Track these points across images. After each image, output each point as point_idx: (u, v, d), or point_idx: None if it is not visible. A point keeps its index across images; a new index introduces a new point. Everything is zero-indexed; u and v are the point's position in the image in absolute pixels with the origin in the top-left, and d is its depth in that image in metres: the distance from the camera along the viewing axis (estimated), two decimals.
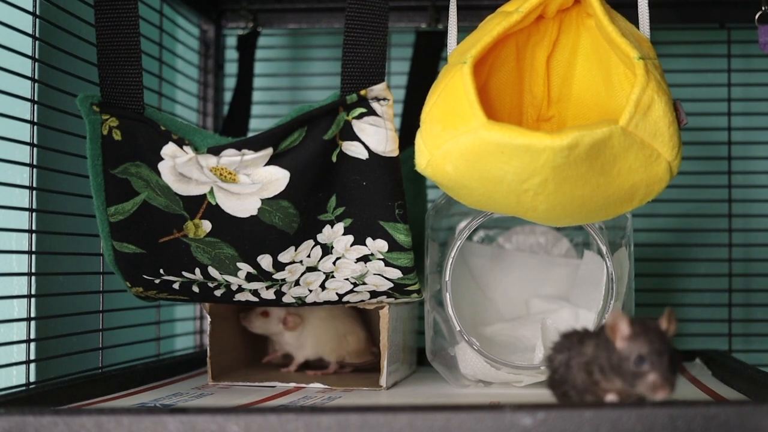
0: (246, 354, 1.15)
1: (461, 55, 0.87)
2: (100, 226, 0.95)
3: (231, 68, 1.34)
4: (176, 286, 0.99)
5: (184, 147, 0.88)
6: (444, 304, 1.01)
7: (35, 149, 0.96)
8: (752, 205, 1.33)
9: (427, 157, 0.86)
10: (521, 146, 0.79)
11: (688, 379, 1.07)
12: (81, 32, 1.04)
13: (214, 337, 1.05)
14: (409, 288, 1.00)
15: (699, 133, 1.31)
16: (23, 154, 0.96)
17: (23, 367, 0.94)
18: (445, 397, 0.98)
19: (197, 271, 0.96)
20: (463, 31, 0.95)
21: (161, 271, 0.97)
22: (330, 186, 0.90)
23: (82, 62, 1.03)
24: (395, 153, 0.88)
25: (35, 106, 0.95)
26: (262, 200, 0.89)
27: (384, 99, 0.87)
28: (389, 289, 0.99)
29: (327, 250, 0.95)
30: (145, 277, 0.98)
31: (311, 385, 1.03)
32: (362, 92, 0.86)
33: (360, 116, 0.87)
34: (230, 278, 0.97)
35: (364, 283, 0.99)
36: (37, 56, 0.95)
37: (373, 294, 1.01)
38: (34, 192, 0.96)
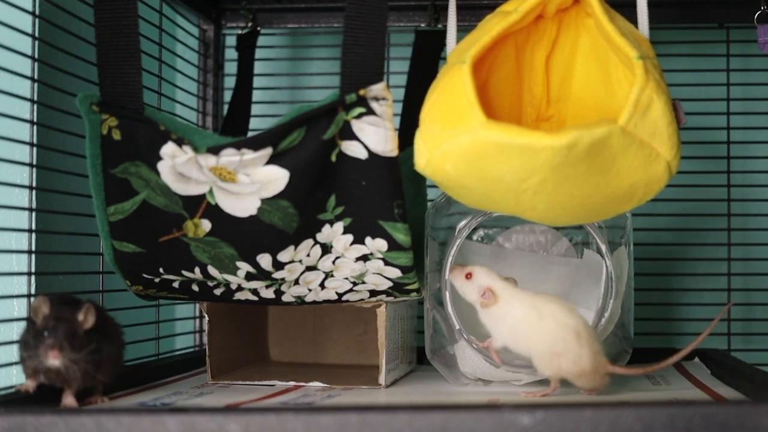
0: (245, 353, 1.15)
1: (460, 54, 0.87)
2: (100, 225, 0.95)
3: (231, 68, 1.34)
4: (176, 284, 0.99)
5: (184, 147, 0.88)
6: (443, 302, 1.01)
7: (35, 149, 0.96)
8: (751, 204, 1.33)
9: (427, 157, 0.86)
10: (520, 146, 0.80)
11: (687, 378, 1.07)
12: (81, 32, 1.04)
13: (213, 336, 1.05)
14: (408, 287, 1.00)
15: (698, 133, 1.31)
16: (23, 153, 0.96)
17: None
18: (444, 395, 0.98)
19: (197, 270, 0.96)
20: (463, 31, 0.95)
21: (161, 270, 0.97)
22: (329, 185, 0.90)
23: (82, 62, 1.03)
24: (394, 153, 0.88)
25: (35, 106, 0.95)
26: (262, 200, 0.89)
27: (383, 99, 0.86)
28: (389, 288, 0.99)
29: (326, 249, 0.95)
30: (144, 275, 0.98)
31: (310, 383, 1.04)
32: (361, 92, 0.86)
33: (359, 116, 0.87)
34: (230, 277, 0.97)
35: (364, 282, 0.99)
36: (37, 56, 0.96)
37: (373, 293, 1.01)
38: (34, 191, 0.97)
